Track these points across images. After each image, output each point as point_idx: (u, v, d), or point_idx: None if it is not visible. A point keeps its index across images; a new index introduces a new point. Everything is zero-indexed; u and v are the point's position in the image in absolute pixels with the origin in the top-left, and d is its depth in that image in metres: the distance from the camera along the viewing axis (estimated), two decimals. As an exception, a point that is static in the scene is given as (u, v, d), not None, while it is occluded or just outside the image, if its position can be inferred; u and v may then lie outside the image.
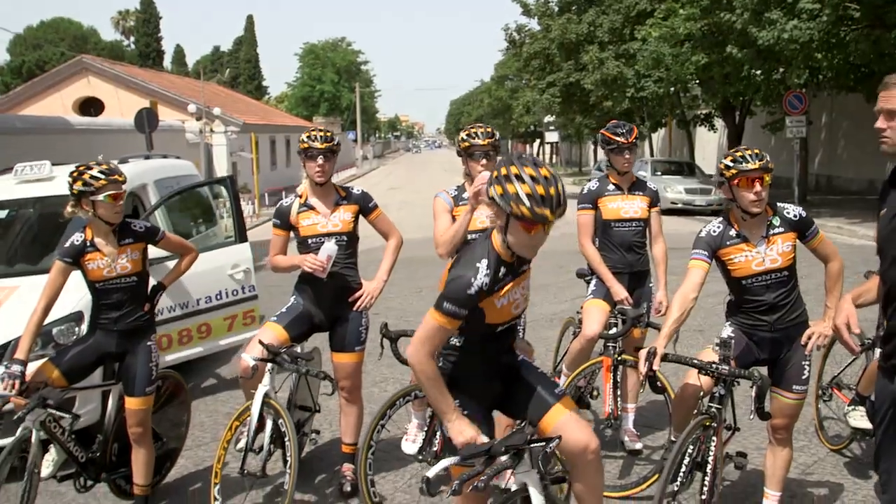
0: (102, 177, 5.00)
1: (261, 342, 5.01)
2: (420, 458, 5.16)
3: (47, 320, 5.24)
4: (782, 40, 20.04)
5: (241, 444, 5.09)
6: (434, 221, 5.22)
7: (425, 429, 5.21)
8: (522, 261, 3.56)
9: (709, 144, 39.92)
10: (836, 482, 5.49)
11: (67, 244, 5.09)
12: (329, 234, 5.35)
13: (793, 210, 4.55)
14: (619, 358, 5.56)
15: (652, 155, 39.89)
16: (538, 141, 76.44)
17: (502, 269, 3.46)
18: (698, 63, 24.56)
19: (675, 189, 26.03)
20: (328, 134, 5.35)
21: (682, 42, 25.33)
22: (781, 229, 4.51)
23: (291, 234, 5.48)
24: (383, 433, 5.19)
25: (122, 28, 74.86)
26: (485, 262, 3.40)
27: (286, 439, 4.82)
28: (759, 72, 23.70)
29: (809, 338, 4.51)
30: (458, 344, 3.62)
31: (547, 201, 3.23)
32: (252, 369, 4.96)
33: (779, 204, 4.58)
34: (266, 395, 4.92)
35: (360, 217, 5.52)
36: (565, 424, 3.55)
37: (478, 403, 3.67)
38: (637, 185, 6.06)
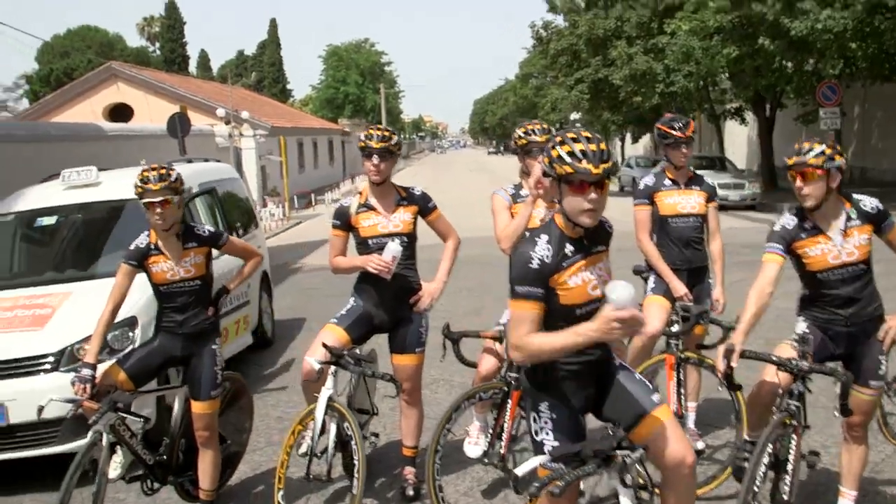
0: (140, 184, 5.00)
1: (324, 345, 4.97)
2: (485, 461, 5.11)
3: None
4: (816, 30, 19.86)
5: (304, 449, 5.06)
6: (494, 218, 5.17)
7: (488, 431, 5.14)
8: (595, 239, 3.55)
9: (738, 138, 39.55)
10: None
11: (132, 247, 5.15)
12: (389, 235, 5.30)
13: (869, 202, 4.45)
14: (682, 355, 5.46)
15: (656, 153, 39.54)
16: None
17: (568, 245, 3.46)
18: (729, 56, 24.35)
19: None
20: (386, 133, 5.29)
21: (711, 35, 25.13)
22: (858, 222, 4.41)
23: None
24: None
25: (148, 34, 75.25)
26: (544, 237, 3.44)
27: (352, 442, 4.78)
28: (789, 63, 23.47)
29: (887, 332, 4.42)
30: None
31: (588, 156, 3.33)
32: (317, 373, 4.92)
33: (855, 196, 4.48)
34: (330, 399, 4.88)
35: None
36: (662, 435, 3.47)
37: (568, 407, 3.59)
38: (694, 180, 5.98)
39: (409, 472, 5.56)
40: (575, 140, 3.39)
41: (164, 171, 5.04)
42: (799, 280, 4.63)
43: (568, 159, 3.35)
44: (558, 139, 3.43)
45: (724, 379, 4.19)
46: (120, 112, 37.36)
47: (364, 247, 5.37)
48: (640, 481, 3.59)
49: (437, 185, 43.37)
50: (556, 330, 3.41)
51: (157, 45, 73.99)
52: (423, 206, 5.47)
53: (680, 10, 27.15)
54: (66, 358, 6.21)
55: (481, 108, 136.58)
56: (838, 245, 4.39)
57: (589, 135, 3.44)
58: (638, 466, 3.46)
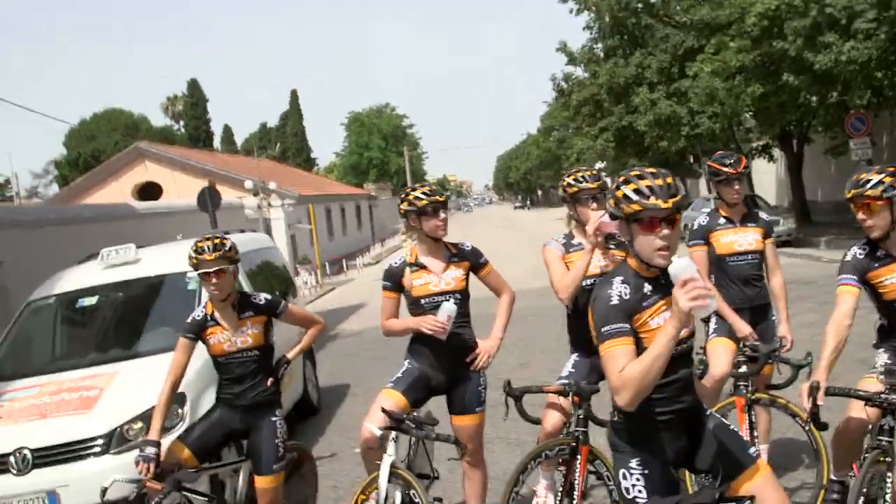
0: (194, 255, 4.94)
1: (383, 409, 4.81)
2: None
3: (146, 405, 5.15)
4: (840, 62, 19.74)
5: (369, 518, 4.90)
6: (548, 269, 5.09)
7: (556, 490, 4.94)
8: (668, 278, 3.35)
9: (766, 176, 39.33)
10: None
11: (189, 320, 5.08)
12: (442, 293, 5.18)
13: None
14: (752, 397, 5.25)
15: (709, 191, 39.45)
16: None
17: (646, 286, 3.33)
18: (754, 94, 24.24)
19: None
20: (436, 188, 5.25)
21: (734, 75, 25.07)
22: None
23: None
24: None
25: (172, 113, 76.37)
26: (619, 277, 3.34)
27: (421, 510, 4.60)
28: (814, 97, 23.34)
29: None
30: None
31: (655, 191, 3.25)
32: (379, 439, 4.76)
33: None
34: (392, 465, 4.72)
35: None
36: (763, 488, 3.28)
37: (661, 461, 3.41)
38: (749, 217, 5.84)
39: (476, 536, 5.35)
40: (640, 177, 3.32)
41: (218, 241, 4.99)
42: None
43: (635, 197, 3.26)
44: (622, 179, 3.37)
45: (811, 418, 3.99)
46: (148, 190, 37.85)
47: (416, 307, 5.24)
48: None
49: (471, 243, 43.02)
50: None
51: (182, 123, 75.03)
52: (475, 261, 5.35)
53: (700, 52, 27.14)
54: (116, 439, 6.09)
55: (504, 163, 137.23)
56: None
57: (654, 170, 3.37)
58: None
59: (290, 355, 5.47)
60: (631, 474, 3.40)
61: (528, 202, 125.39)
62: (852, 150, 23.62)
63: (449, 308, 5.08)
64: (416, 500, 4.66)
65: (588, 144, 36.65)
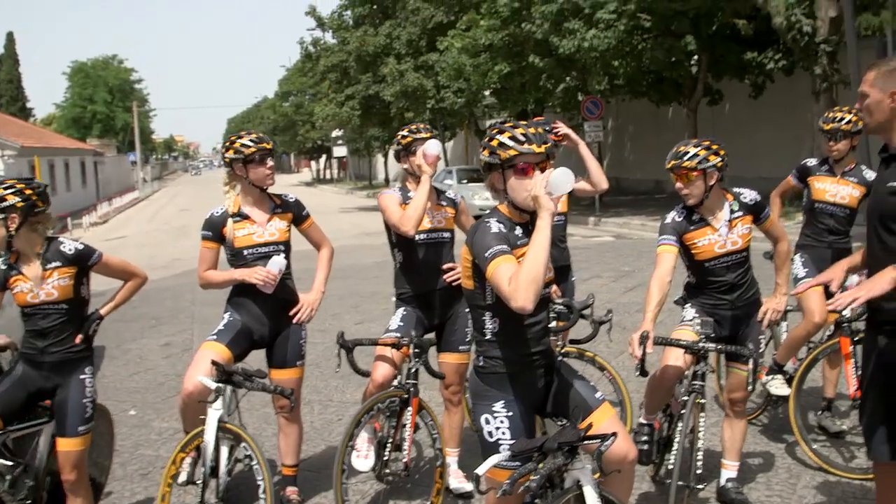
0: None
1: (213, 362, 4.63)
2: (377, 474, 4.94)
3: None
4: (583, 49, 20.99)
5: (184, 477, 4.74)
6: (386, 212, 5.11)
7: (386, 441, 4.97)
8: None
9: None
10: (761, 450, 5.75)
11: None
12: (266, 244, 5.05)
13: (749, 195, 4.77)
14: (562, 352, 5.53)
15: (447, 164, 40.61)
16: (325, 156, 76.19)
17: (517, 229, 3.51)
18: (500, 72, 25.23)
19: (482, 196, 26.54)
20: (262, 135, 5.13)
21: (481, 53, 25.96)
22: (740, 213, 4.71)
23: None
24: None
25: None
26: (494, 219, 3.48)
27: (254, 463, 4.48)
28: (553, 80, 24.66)
29: (765, 314, 4.75)
30: (494, 330, 3.50)
31: (530, 138, 3.44)
32: (216, 392, 4.57)
33: (735, 189, 4.78)
34: (220, 420, 4.56)
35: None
36: (609, 429, 3.49)
37: (523, 403, 3.56)
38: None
39: (292, 491, 5.28)
40: (514, 127, 3.50)
41: None
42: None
43: (511, 143, 3.43)
44: (495, 130, 3.53)
45: (640, 365, 4.28)
46: None
47: (238, 258, 5.07)
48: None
49: (201, 205, 41.97)
50: (509, 325, 3.49)
51: None
52: (298, 213, 5.25)
53: (451, 27, 27.87)
54: None
55: (236, 127, 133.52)
56: (724, 235, 4.68)
57: (525, 122, 3.59)
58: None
59: (103, 311, 5.05)
60: (495, 417, 3.52)
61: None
62: (586, 132, 25.16)
63: (280, 261, 4.97)
64: (248, 454, 4.52)
65: (333, 111, 36.61)
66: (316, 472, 5.81)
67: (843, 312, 5.30)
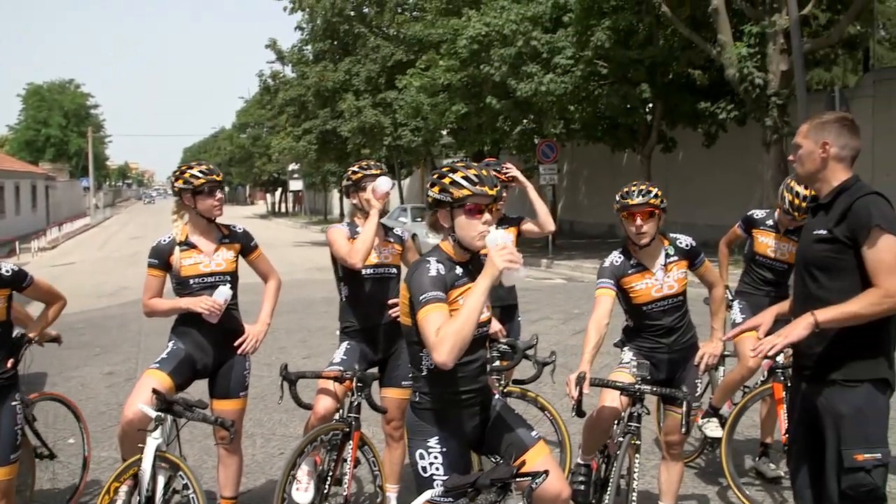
0: None
1: (154, 390, 4.60)
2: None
3: None
4: (540, 92, 21.27)
5: (121, 505, 4.66)
6: (334, 246, 5.16)
7: (327, 475, 4.96)
8: (477, 267, 3.60)
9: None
10: (698, 493, 5.83)
11: None
12: (212, 274, 5.05)
13: (684, 240, 4.87)
14: (505, 391, 5.57)
15: (402, 202, 40.75)
16: (280, 189, 76.00)
17: (457, 269, 3.57)
18: (458, 112, 25.44)
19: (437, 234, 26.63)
20: (213, 167, 5.14)
21: (439, 92, 26.19)
22: (676, 257, 4.81)
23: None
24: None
25: None
26: (433, 258, 3.55)
27: (191, 493, 4.44)
28: (510, 122, 24.92)
29: (702, 358, 4.85)
30: (431, 367, 3.52)
31: (483, 179, 3.51)
32: (156, 421, 4.52)
33: (671, 234, 4.87)
34: (158, 449, 4.52)
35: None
36: (542, 467, 3.53)
37: (458, 439, 3.60)
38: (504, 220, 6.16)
39: (230, 524, 5.25)
40: (467, 167, 3.57)
41: None
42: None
43: (465, 183, 3.48)
44: (447, 169, 3.59)
45: (576, 405, 4.33)
46: None
47: (184, 287, 5.06)
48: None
49: (154, 233, 41.35)
50: None
51: None
52: (247, 244, 5.26)
53: (410, 66, 28.09)
54: None
55: (192, 156, 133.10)
56: (660, 279, 4.77)
57: (476, 164, 3.69)
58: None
59: (31, 333, 5.00)
60: (429, 453, 3.56)
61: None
62: (541, 174, 25.41)
63: (225, 292, 4.98)
64: (185, 483, 4.48)
65: (290, 145, 36.58)
66: (255, 505, 5.77)
67: (777, 358, 5.41)
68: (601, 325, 4.56)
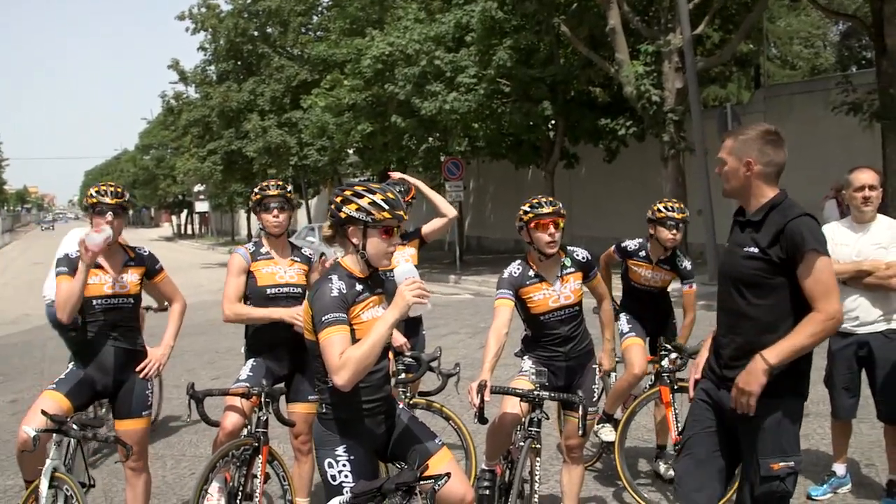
0: None
1: (43, 412, 4.60)
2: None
3: None
4: (444, 111, 21.54)
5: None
6: (227, 276, 5.25)
7: (236, 490, 5.01)
8: (376, 282, 3.81)
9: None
10: (599, 495, 6.05)
11: None
12: (115, 296, 5.07)
13: (581, 252, 5.10)
14: (411, 402, 5.69)
15: (310, 221, 40.56)
16: (186, 210, 74.83)
17: (358, 285, 3.70)
18: (363, 132, 25.57)
19: (345, 253, 26.62)
20: (119, 189, 5.13)
21: (344, 112, 26.28)
22: (572, 269, 5.03)
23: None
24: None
25: None
26: (335, 276, 3.67)
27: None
28: (415, 140, 25.17)
29: (600, 365, 5.08)
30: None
31: (399, 204, 3.70)
32: (34, 441, 4.52)
33: (568, 247, 5.09)
34: (55, 470, 4.52)
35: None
36: (451, 469, 3.68)
37: (364, 447, 3.73)
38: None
39: (141, 544, 5.25)
40: (384, 190, 3.72)
41: None
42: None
43: (386, 206, 3.64)
44: (362, 189, 3.71)
45: (478, 413, 4.46)
46: None
47: (86, 307, 5.07)
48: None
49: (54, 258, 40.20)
50: None
51: None
52: (151, 267, 5.29)
53: (315, 86, 28.11)
54: None
55: (94, 179, 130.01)
56: (557, 290, 4.98)
57: (378, 186, 3.80)
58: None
59: None
60: (337, 461, 3.68)
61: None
62: (447, 192, 25.64)
63: (106, 230, 4.94)
64: (74, 504, 4.49)
65: (195, 166, 36.20)
66: (165, 525, 5.78)
67: (663, 363, 5.76)
68: (500, 334, 4.72)
